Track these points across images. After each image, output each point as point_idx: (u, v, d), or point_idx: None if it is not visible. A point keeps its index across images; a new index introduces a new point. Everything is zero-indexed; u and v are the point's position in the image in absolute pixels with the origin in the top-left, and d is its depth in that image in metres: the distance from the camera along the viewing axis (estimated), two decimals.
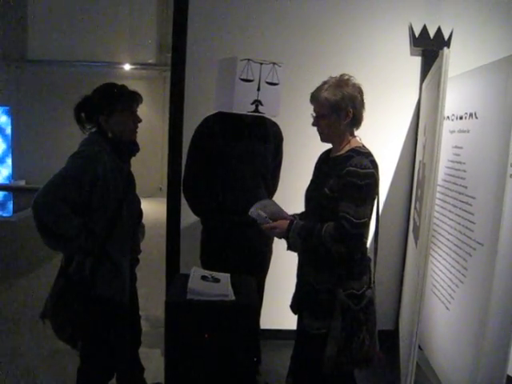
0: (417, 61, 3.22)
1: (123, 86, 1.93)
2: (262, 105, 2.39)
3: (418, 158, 2.89)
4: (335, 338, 1.80)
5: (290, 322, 2.21)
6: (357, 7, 3.16)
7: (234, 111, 2.38)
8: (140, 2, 9.61)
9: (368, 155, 1.84)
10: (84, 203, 1.81)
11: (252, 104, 2.38)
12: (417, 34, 3.18)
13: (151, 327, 3.54)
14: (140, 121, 1.97)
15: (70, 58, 9.50)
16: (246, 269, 2.35)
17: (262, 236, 2.06)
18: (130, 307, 2.04)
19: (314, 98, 1.89)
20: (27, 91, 9.95)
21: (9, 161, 10.38)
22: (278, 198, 2.74)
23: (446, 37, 3.17)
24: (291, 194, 2.25)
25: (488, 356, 2.08)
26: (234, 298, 1.81)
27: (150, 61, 10.31)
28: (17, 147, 10.29)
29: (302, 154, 2.16)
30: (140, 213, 2.15)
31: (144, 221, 2.25)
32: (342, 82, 1.84)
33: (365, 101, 1.91)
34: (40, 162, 9.50)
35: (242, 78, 2.34)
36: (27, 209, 6.22)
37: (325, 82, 1.87)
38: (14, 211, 7.49)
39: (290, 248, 1.94)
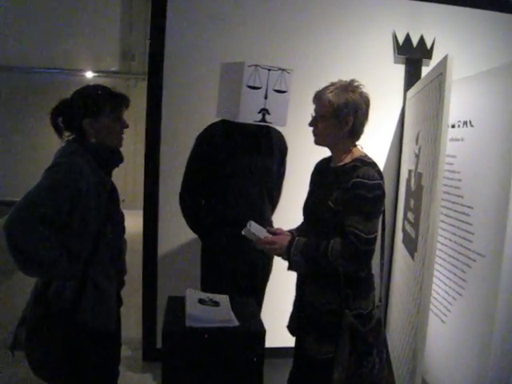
0: (400, 68, 3.18)
1: (108, 88, 1.75)
2: (269, 114, 2.26)
3: (407, 166, 2.82)
4: (343, 364, 1.67)
5: (284, 339, 2.07)
6: (340, 14, 3.09)
7: (240, 121, 2.23)
8: (103, 7, 9.34)
9: (374, 165, 1.73)
10: (64, 222, 1.60)
11: (259, 113, 2.24)
12: (400, 42, 3.14)
13: (127, 349, 3.32)
14: (127, 126, 1.78)
15: (28, 64, 9.11)
16: (247, 286, 2.22)
17: (264, 253, 1.91)
18: (114, 334, 1.84)
19: (317, 97, 1.77)
20: None
21: None
22: (281, 211, 2.65)
23: (429, 45, 3.15)
24: (296, 209, 2.10)
25: (493, 370, 2.01)
26: (237, 323, 1.65)
27: (113, 68, 10.03)
28: None
29: (308, 166, 2.04)
30: (124, 229, 1.96)
31: None
32: (350, 88, 1.73)
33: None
34: (4, 173, 9.01)
35: (248, 85, 2.20)
36: None
37: (332, 84, 1.76)
38: None
39: (291, 268, 1.78)
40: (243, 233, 1.84)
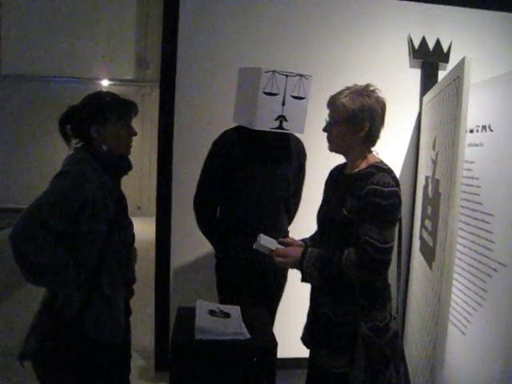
0: (416, 73, 3.12)
1: (116, 95, 1.72)
2: (286, 121, 2.19)
3: (424, 173, 2.75)
4: (359, 378, 1.60)
5: (298, 349, 2.01)
6: (355, 19, 3.05)
7: (256, 128, 2.17)
8: (118, 16, 9.44)
9: (390, 171, 1.67)
10: (71, 231, 1.57)
11: (276, 120, 2.18)
12: (416, 46, 3.08)
13: (140, 358, 3.29)
14: (135, 133, 1.75)
15: (45, 73, 9.22)
16: (261, 297, 2.15)
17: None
18: (123, 346, 1.80)
19: (332, 101, 1.72)
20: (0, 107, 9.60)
21: None
22: (298, 221, 2.57)
23: (446, 49, 3.08)
24: (314, 218, 2.05)
25: None
26: (248, 336, 1.59)
27: (128, 77, 10.11)
28: None
29: (326, 174, 1.98)
30: (133, 236, 1.92)
31: None
32: (365, 92, 1.68)
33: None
34: (14, 180, 9.13)
35: (265, 91, 2.14)
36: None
37: (347, 88, 1.71)
38: None
39: (304, 280, 1.73)
40: (254, 247, 1.79)
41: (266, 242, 1.78)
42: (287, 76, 2.17)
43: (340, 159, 1.89)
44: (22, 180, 8.91)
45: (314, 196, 2.72)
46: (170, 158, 3.00)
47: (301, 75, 2.21)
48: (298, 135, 2.40)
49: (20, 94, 9.40)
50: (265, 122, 2.17)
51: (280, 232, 2.24)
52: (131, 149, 1.78)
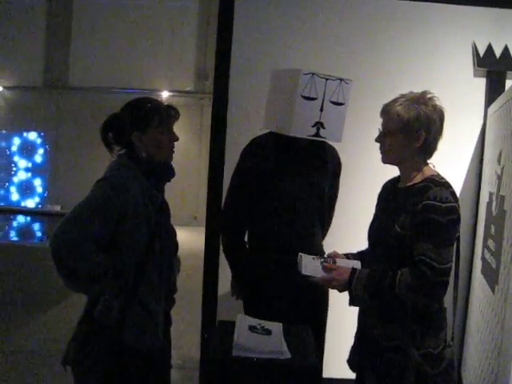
0: (481, 82, 2.93)
1: (157, 100, 1.71)
2: (323, 128, 2.02)
3: (488, 189, 2.56)
4: None
5: (343, 370, 1.90)
6: (413, 23, 2.91)
7: (292, 134, 2.02)
8: (180, 29, 9.71)
9: (448, 186, 1.55)
10: (111, 238, 1.56)
11: (313, 127, 2.01)
12: (481, 54, 2.89)
13: (183, 369, 3.27)
14: (177, 139, 1.72)
15: (109, 85, 9.62)
16: (303, 318, 1.97)
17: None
18: (162, 356, 1.76)
19: (385, 110, 1.62)
20: (66, 117, 10.10)
21: (38, 186, 10.45)
22: (332, 236, 2.42)
23: None
24: (349, 233, 1.92)
25: None
26: (289, 355, 1.50)
27: (188, 88, 10.35)
28: (53, 172, 10.37)
29: (364, 186, 1.85)
30: (176, 245, 1.89)
31: (178, 253, 1.99)
32: (422, 100, 1.57)
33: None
34: (76, 187, 9.52)
35: (303, 95, 1.99)
36: None
37: (402, 96, 1.60)
38: (48, 237, 7.43)
39: (353, 303, 1.61)
40: (303, 272, 1.68)
41: (307, 261, 1.68)
42: (327, 79, 2.01)
43: (384, 171, 1.77)
44: (86, 187, 9.28)
45: (349, 210, 2.59)
46: (222, 169, 2.97)
47: (341, 79, 2.05)
48: (333, 144, 2.24)
49: (86, 104, 9.85)
50: (301, 129, 2.01)
51: (315, 248, 2.09)
52: (174, 155, 1.75)
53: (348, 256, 1.83)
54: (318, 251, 2.04)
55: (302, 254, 1.73)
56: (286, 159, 2.13)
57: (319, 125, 2.02)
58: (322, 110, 2.02)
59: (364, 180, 2.69)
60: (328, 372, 2.63)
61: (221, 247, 2.97)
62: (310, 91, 2.00)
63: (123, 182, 1.57)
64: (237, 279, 2.33)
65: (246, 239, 2.29)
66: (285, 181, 2.10)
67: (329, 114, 2.04)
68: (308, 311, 2.12)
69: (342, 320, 2.40)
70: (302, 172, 2.12)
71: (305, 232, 2.11)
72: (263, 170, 2.10)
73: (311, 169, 2.15)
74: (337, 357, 2.21)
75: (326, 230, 2.36)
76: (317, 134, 2.03)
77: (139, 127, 1.64)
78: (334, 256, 1.77)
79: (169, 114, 1.68)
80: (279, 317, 1.84)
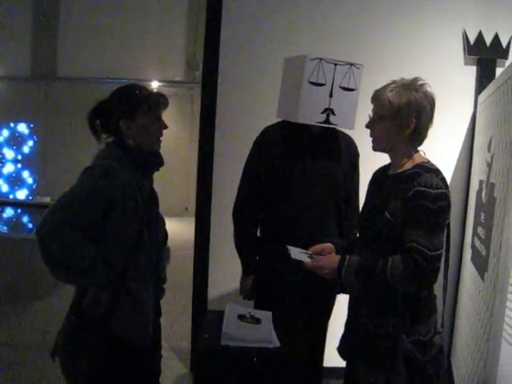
0: (471, 70, 2.92)
1: (146, 88, 1.68)
2: (334, 114, 1.98)
3: (478, 176, 2.56)
4: None
5: (333, 359, 1.89)
6: (405, 11, 2.89)
7: (300, 121, 1.98)
8: (169, 19, 9.59)
9: (438, 172, 1.54)
10: (98, 228, 1.53)
11: (322, 113, 1.97)
12: (472, 42, 2.88)
13: (175, 359, 3.26)
14: (165, 127, 1.69)
15: (97, 75, 9.49)
16: (307, 313, 1.95)
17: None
18: (152, 346, 1.75)
19: (376, 96, 1.60)
20: (55, 108, 9.97)
21: (28, 178, 10.35)
22: None
23: (505, 44, 2.87)
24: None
25: None
26: (278, 344, 1.49)
27: (177, 78, 10.25)
28: (42, 163, 10.26)
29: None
30: (165, 235, 1.87)
31: (169, 243, 1.97)
32: (413, 86, 1.55)
33: None
34: (66, 179, 9.42)
35: (311, 80, 1.94)
36: None
37: (393, 82, 1.58)
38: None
39: (342, 291, 1.61)
40: (293, 257, 1.67)
41: (295, 254, 1.67)
42: (336, 64, 1.96)
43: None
44: (76, 179, 9.19)
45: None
46: (211, 159, 2.96)
47: (351, 64, 1.99)
48: (347, 131, 2.18)
49: (75, 94, 9.72)
50: (309, 115, 1.97)
51: (327, 239, 2.00)
52: (165, 146, 1.72)
53: (335, 244, 1.82)
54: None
55: (290, 247, 1.72)
56: (297, 147, 2.08)
57: (329, 111, 1.98)
58: (331, 95, 1.98)
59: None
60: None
61: (211, 239, 2.99)
62: (317, 77, 1.95)
63: (110, 171, 1.55)
64: (247, 274, 2.27)
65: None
66: (296, 169, 2.05)
67: (339, 100, 1.99)
68: (317, 303, 2.10)
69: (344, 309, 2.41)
70: (313, 160, 2.07)
71: (319, 222, 2.06)
72: (274, 158, 2.07)
73: (324, 157, 2.09)
74: (327, 346, 2.22)
75: (352, 228, 2.17)
76: (327, 121, 1.99)
77: (127, 114, 1.61)
78: (320, 251, 1.76)
79: (157, 101, 1.65)
80: (291, 311, 1.82)
